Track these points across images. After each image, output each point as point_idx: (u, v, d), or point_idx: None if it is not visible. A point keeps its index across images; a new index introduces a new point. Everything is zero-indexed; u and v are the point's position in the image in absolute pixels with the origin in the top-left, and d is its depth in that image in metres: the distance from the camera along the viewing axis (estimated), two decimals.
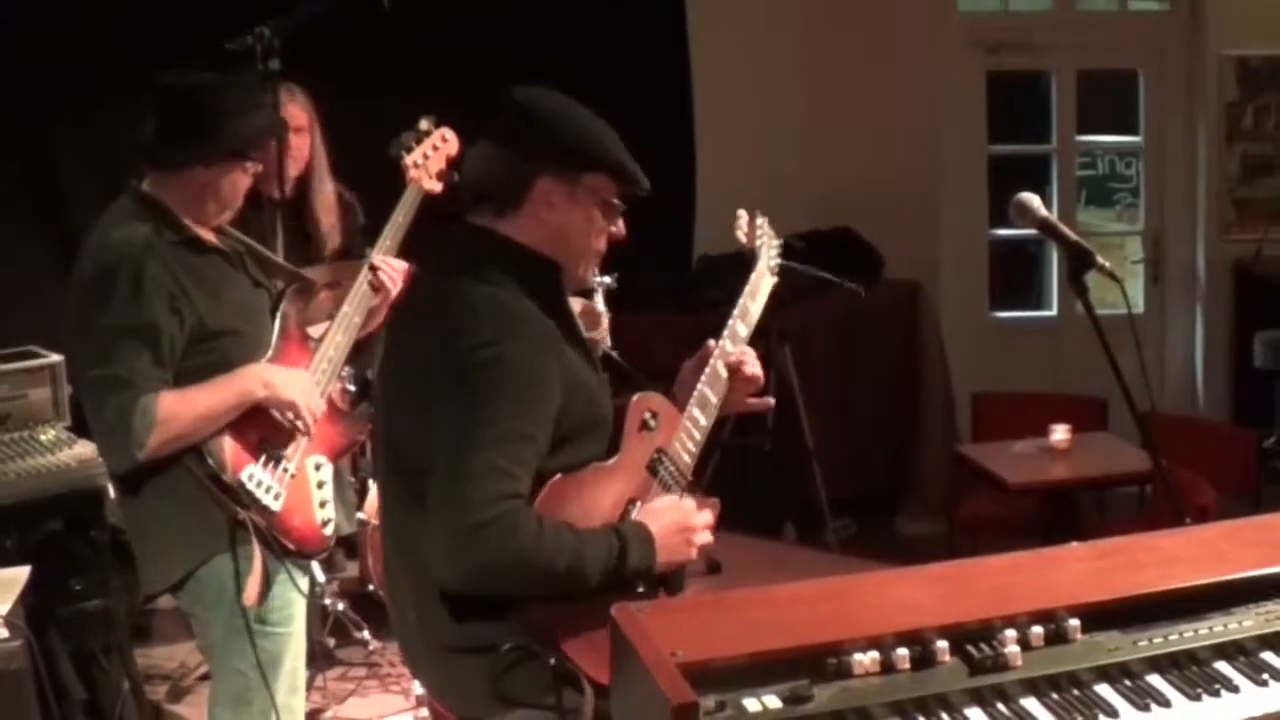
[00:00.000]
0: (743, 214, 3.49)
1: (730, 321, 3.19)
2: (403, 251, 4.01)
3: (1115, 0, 8.59)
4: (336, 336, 3.78)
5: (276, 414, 3.49)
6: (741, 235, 3.46)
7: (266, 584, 3.50)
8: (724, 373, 3.09)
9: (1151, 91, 8.45)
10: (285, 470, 3.54)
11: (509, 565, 2.56)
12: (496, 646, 2.65)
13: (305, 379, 3.57)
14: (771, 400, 3.25)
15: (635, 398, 2.93)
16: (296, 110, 4.71)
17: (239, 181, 3.58)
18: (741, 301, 3.25)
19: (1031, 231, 3.09)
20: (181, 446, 3.34)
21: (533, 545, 2.56)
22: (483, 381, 2.63)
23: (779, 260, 3.48)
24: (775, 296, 3.44)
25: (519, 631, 2.65)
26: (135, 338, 3.31)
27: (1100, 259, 2.93)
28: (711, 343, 3.14)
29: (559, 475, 2.70)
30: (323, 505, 3.65)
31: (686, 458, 2.98)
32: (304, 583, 3.68)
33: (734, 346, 3.15)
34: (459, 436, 2.60)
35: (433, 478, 2.63)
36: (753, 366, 3.15)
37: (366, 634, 4.88)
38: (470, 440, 2.59)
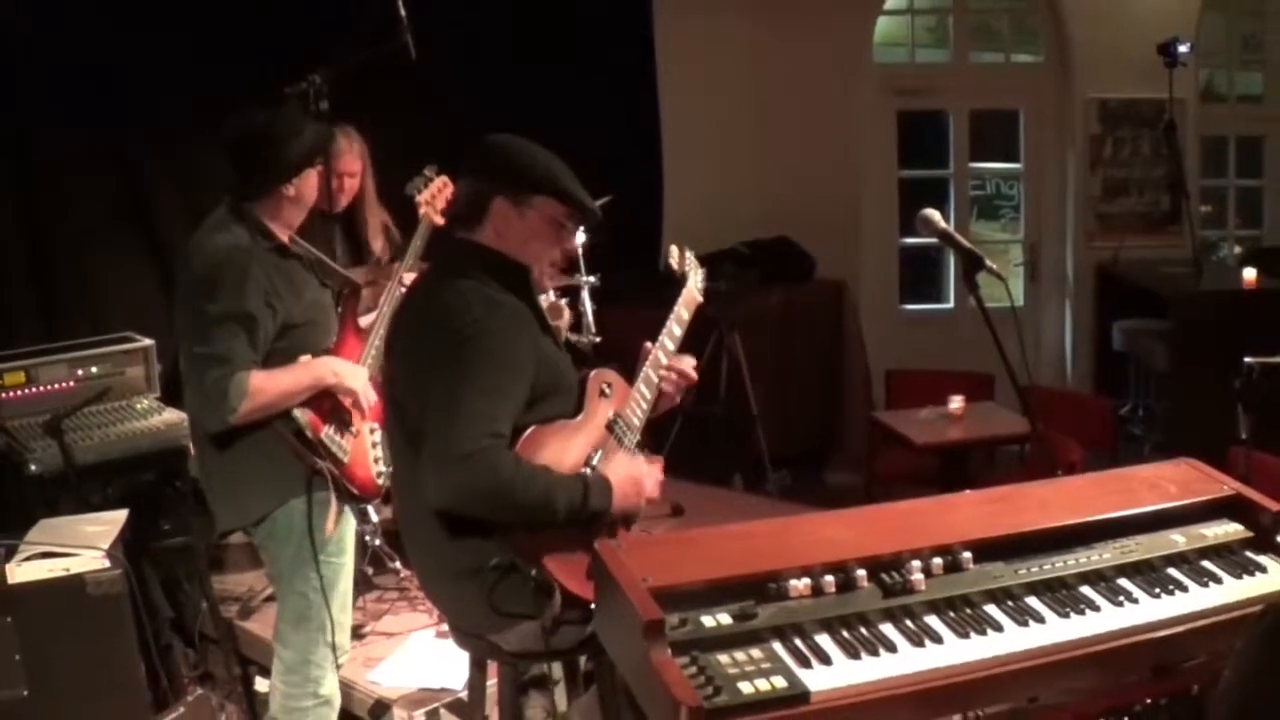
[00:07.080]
0: (674, 247, 3.53)
1: (660, 338, 3.21)
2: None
3: (1001, 54, 8.60)
4: (381, 330, 3.78)
5: (341, 397, 3.51)
6: (674, 263, 3.50)
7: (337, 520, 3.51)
8: (655, 379, 3.14)
9: (1030, 127, 8.48)
10: (350, 432, 3.56)
11: (489, 492, 2.59)
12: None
13: (363, 373, 3.58)
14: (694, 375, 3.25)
15: (593, 372, 2.99)
16: (355, 152, 4.68)
17: (311, 182, 3.55)
18: (669, 326, 3.27)
19: (933, 240, 3.08)
20: (263, 416, 3.33)
21: (509, 477, 2.60)
22: (469, 349, 2.67)
23: (705, 283, 3.52)
24: (709, 303, 3.52)
25: (506, 552, 2.68)
26: (235, 324, 3.27)
27: (988, 262, 2.93)
28: (648, 345, 3.19)
29: (533, 427, 2.73)
30: (376, 461, 3.66)
31: (636, 420, 3.04)
32: (353, 522, 3.69)
33: (665, 358, 3.18)
34: (450, 390, 2.64)
35: (429, 428, 2.66)
36: (683, 366, 3.19)
37: (398, 564, 4.86)
38: (459, 392, 2.63)
